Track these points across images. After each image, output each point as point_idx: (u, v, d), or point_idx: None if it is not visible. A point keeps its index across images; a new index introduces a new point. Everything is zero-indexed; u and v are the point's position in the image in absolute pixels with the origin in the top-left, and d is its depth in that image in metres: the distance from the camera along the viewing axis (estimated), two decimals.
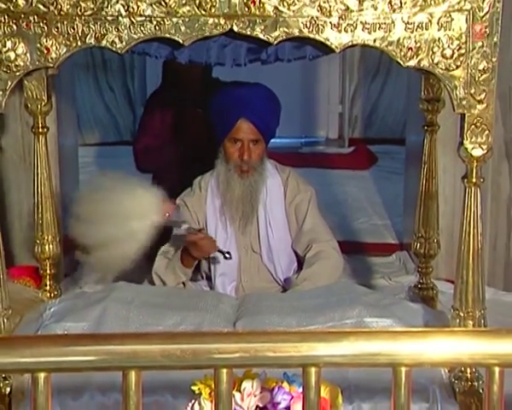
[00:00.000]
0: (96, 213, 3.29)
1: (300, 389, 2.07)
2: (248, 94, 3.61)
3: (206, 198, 3.67)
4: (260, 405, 2.27)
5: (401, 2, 2.56)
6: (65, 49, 2.59)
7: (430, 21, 2.58)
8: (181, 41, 2.58)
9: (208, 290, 3.61)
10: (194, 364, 1.87)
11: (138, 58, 6.50)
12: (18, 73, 2.61)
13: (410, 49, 2.59)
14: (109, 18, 2.56)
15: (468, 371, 2.77)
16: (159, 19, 2.55)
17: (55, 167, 3.89)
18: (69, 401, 2.76)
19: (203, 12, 2.54)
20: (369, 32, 2.57)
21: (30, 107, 3.23)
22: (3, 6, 2.55)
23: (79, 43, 2.58)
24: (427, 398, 2.75)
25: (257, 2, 2.53)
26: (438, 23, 2.58)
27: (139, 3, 2.54)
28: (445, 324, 2.93)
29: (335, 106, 6.93)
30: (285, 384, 2.28)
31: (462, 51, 2.59)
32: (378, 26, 2.57)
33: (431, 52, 2.59)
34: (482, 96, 2.62)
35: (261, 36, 2.57)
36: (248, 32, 2.57)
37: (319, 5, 2.54)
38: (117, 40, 2.58)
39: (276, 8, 2.54)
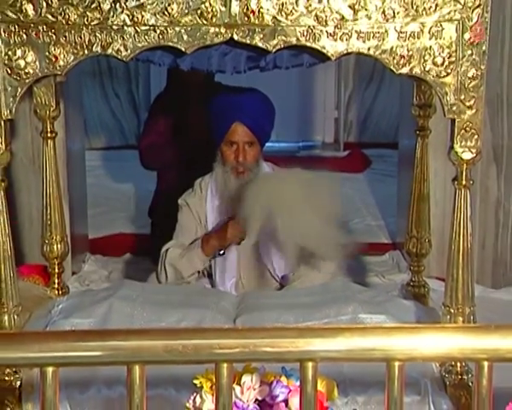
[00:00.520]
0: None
1: (298, 383, 2.07)
2: (243, 99, 3.64)
3: (206, 198, 3.67)
4: (259, 398, 2.27)
5: (394, 12, 2.55)
6: (72, 58, 2.59)
7: (422, 31, 2.58)
8: (183, 49, 2.57)
9: (209, 288, 3.61)
10: (195, 359, 1.87)
11: (143, 66, 6.50)
12: (27, 80, 2.61)
13: (403, 57, 2.59)
14: (115, 27, 2.56)
15: (458, 365, 2.77)
16: (162, 28, 2.55)
17: (63, 170, 3.89)
18: (76, 395, 2.75)
19: (205, 21, 2.54)
20: (364, 41, 2.57)
21: (39, 112, 3.23)
22: (14, 16, 2.55)
23: (86, 52, 2.58)
24: (419, 391, 2.75)
25: (256, 12, 2.53)
26: (429, 32, 2.58)
27: (143, 13, 2.54)
28: (436, 320, 2.93)
29: (331, 111, 6.92)
30: (283, 378, 2.28)
31: (453, 59, 2.59)
32: (372, 34, 2.57)
33: (423, 60, 2.59)
34: (471, 102, 2.61)
35: (260, 44, 2.57)
36: (248, 41, 2.57)
37: (316, 15, 2.54)
38: (122, 48, 2.58)
39: (274, 17, 2.54)
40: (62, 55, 2.58)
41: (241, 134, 3.55)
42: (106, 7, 2.54)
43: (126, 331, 1.95)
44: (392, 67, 2.60)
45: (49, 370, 1.83)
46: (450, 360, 2.65)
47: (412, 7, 2.55)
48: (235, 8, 2.53)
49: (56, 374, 1.84)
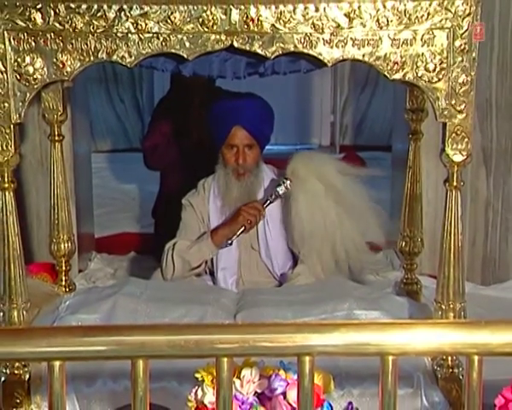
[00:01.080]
0: None
1: (295, 377, 2.06)
2: (241, 104, 3.65)
3: (208, 199, 3.67)
4: (258, 391, 2.27)
5: (388, 21, 2.55)
6: (79, 64, 2.58)
7: (414, 38, 2.57)
8: (185, 56, 2.57)
9: (211, 285, 3.60)
10: (197, 353, 1.87)
11: (146, 72, 6.49)
12: (36, 86, 2.60)
13: (396, 63, 2.59)
14: (119, 35, 2.55)
15: (450, 359, 2.76)
16: (165, 35, 2.55)
17: (70, 172, 3.89)
18: (83, 387, 2.75)
19: (206, 29, 2.54)
20: (359, 48, 2.57)
21: (47, 116, 3.23)
22: (23, 24, 2.55)
23: (92, 58, 2.58)
24: (412, 384, 2.75)
25: (255, 20, 2.53)
26: (421, 40, 2.57)
27: (147, 21, 2.54)
28: (428, 316, 2.93)
29: (327, 116, 6.92)
30: (281, 372, 2.28)
31: (444, 66, 2.59)
32: (366, 42, 2.56)
33: (415, 66, 2.59)
34: (462, 106, 2.61)
35: (259, 51, 2.56)
36: (247, 48, 2.56)
37: (312, 23, 2.54)
38: (126, 55, 2.57)
39: (272, 25, 2.54)
40: (69, 62, 2.58)
41: (241, 137, 3.55)
42: (111, 15, 2.54)
43: (130, 327, 1.95)
44: (385, 73, 2.60)
45: (57, 364, 1.83)
46: (442, 354, 2.64)
47: (405, 15, 2.55)
48: (235, 16, 2.53)
49: (63, 368, 1.84)
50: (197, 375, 2.29)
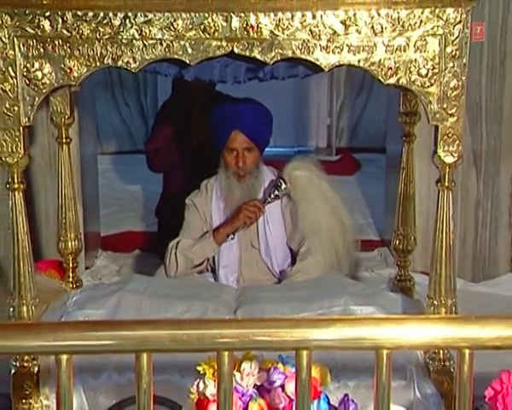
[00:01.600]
0: None
1: (293, 370, 2.06)
2: (240, 109, 3.66)
3: (211, 199, 3.68)
4: (258, 383, 2.27)
5: (382, 28, 2.55)
6: (85, 69, 2.58)
7: (407, 44, 2.57)
8: (188, 61, 2.57)
9: (212, 282, 3.60)
10: (199, 347, 1.86)
11: (150, 77, 6.49)
12: (44, 91, 2.60)
13: (390, 68, 2.58)
14: (124, 41, 2.55)
15: (441, 352, 2.76)
16: (168, 42, 2.54)
17: (77, 173, 3.89)
18: (89, 380, 2.75)
19: (207, 36, 2.53)
20: (354, 54, 2.57)
21: (55, 120, 3.22)
22: (32, 31, 2.55)
23: (98, 64, 2.57)
24: (405, 376, 2.74)
25: (255, 27, 2.53)
26: (414, 46, 2.57)
27: (151, 28, 2.53)
28: (420, 311, 2.92)
29: (324, 119, 6.91)
30: (280, 365, 2.27)
31: (436, 71, 2.58)
32: (362, 48, 2.56)
33: (408, 71, 2.59)
34: (453, 110, 2.61)
35: (258, 57, 2.56)
36: (247, 54, 2.56)
37: (310, 29, 2.53)
38: (131, 61, 2.57)
39: (271, 32, 2.53)
40: (76, 67, 2.58)
41: (240, 141, 3.56)
42: (116, 22, 2.53)
43: (135, 322, 1.95)
44: (380, 78, 2.60)
45: (64, 357, 1.83)
46: (434, 348, 2.64)
47: (398, 23, 2.55)
48: (236, 23, 2.52)
49: (70, 361, 1.83)
50: (199, 368, 2.29)
